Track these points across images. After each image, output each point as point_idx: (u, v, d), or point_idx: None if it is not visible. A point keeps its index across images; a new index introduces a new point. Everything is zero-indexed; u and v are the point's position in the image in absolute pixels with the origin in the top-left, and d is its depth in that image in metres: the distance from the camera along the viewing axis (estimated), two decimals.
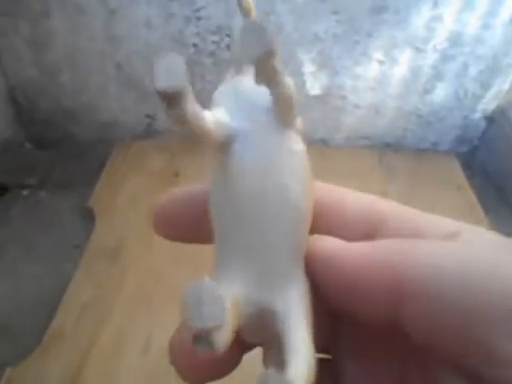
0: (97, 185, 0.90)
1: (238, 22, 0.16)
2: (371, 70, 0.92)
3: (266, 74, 0.13)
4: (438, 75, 0.93)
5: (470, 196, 0.94)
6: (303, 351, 0.13)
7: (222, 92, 0.16)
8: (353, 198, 0.16)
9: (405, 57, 0.90)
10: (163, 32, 0.88)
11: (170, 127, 1.03)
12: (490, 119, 1.01)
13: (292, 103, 0.14)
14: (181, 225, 0.16)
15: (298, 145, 0.14)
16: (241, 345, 0.15)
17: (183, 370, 0.16)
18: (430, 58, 0.91)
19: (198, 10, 0.85)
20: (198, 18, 0.86)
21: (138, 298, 0.71)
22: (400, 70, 0.92)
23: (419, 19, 0.85)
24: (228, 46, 0.89)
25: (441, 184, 0.96)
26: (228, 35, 0.88)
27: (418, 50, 0.89)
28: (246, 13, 0.17)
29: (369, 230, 0.15)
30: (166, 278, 0.74)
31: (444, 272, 0.11)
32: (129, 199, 0.87)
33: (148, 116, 1.01)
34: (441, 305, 0.11)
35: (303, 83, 0.93)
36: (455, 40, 0.88)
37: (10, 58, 0.92)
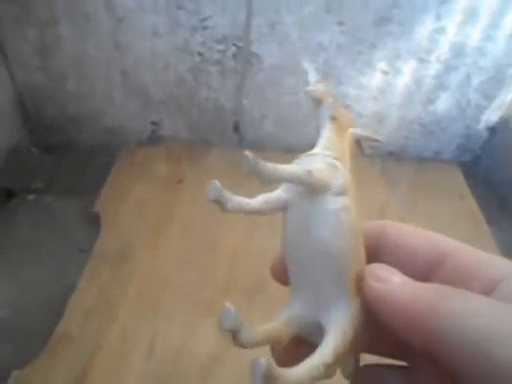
0: (102, 190, 0.91)
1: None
2: (375, 79, 0.93)
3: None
4: (440, 85, 0.94)
5: (473, 205, 0.94)
6: (322, 354, 0.18)
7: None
8: (420, 237, 0.20)
9: (408, 67, 0.91)
10: (169, 40, 0.89)
11: (174, 134, 1.04)
12: (493, 129, 1.02)
13: (304, 183, 0.18)
14: (281, 273, 0.21)
15: (333, 204, 0.19)
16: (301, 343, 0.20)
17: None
18: (433, 69, 0.92)
19: (204, 20, 0.86)
20: (204, 27, 0.87)
21: (143, 302, 0.72)
22: (403, 80, 0.93)
23: (423, 31, 0.86)
24: (234, 55, 0.90)
25: (443, 193, 0.97)
26: (234, 44, 0.89)
27: (422, 60, 0.90)
28: (317, 102, 0.21)
29: (431, 266, 0.19)
30: (171, 283, 0.75)
31: (464, 338, 0.14)
32: (134, 205, 0.88)
33: (153, 123, 1.02)
34: (460, 359, 0.15)
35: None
36: (458, 51, 0.89)
37: (19, 64, 0.93)
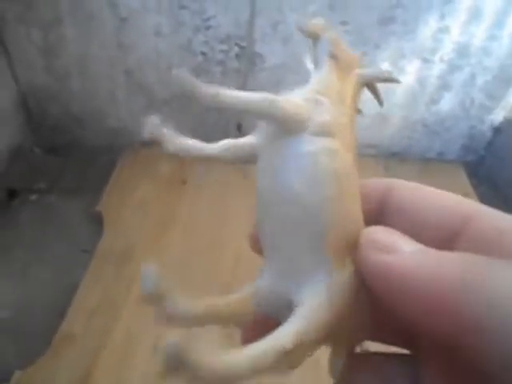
0: (105, 190, 0.90)
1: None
2: None
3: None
4: (444, 85, 0.94)
5: None
6: (278, 337, 0.13)
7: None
8: (437, 198, 0.15)
9: (412, 67, 0.91)
10: (172, 40, 0.89)
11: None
12: (497, 129, 1.01)
13: (266, 114, 0.14)
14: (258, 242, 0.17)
15: (309, 145, 0.14)
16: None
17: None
18: (437, 69, 0.91)
19: (207, 20, 0.86)
20: (207, 27, 0.87)
21: None
22: (407, 80, 0.93)
23: (426, 31, 0.86)
24: (237, 56, 0.90)
25: None
26: (236, 44, 0.89)
27: (425, 60, 0.90)
28: (313, 37, 0.17)
29: (451, 231, 0.14)
30: (174, 283, 0.74)
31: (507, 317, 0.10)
32: (137, 205, 0.88)
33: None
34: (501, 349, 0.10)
35: None
36: (462, 51, 0.89)
37: (22, 64, 0.93)
